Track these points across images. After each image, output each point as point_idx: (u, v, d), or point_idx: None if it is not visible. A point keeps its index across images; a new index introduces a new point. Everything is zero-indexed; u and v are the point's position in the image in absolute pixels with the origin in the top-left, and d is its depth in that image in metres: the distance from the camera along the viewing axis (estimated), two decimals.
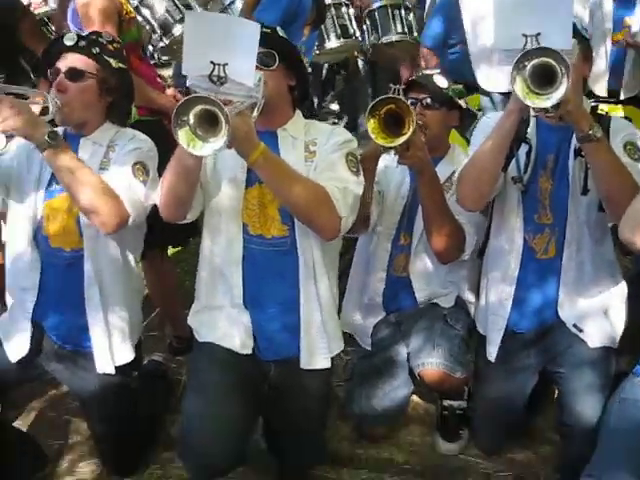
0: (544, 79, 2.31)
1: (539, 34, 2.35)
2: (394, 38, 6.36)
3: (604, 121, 2.75)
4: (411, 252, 3.16)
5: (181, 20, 5.17)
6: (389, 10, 6.37)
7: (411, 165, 2.88)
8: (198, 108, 2.14)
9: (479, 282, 3.11)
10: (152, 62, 5.35)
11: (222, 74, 2.28)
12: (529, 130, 2.77)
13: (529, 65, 2.31)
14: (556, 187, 2.78)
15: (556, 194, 2.78)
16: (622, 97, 4.78)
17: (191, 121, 2.15)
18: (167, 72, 7.48)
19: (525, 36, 2.36)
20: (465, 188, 2.77)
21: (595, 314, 2.85)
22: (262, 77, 2.42)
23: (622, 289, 2.93)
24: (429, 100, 3.14)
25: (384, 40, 6.32)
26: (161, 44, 4.98)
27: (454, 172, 3.06)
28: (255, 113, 2.42)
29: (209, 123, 2.14)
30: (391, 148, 2.73)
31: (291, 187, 2.47)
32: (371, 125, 2.66)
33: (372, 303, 3.24)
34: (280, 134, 2.69)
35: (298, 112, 2.79)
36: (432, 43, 5.34)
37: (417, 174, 2.91)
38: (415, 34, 6.37)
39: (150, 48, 5.09)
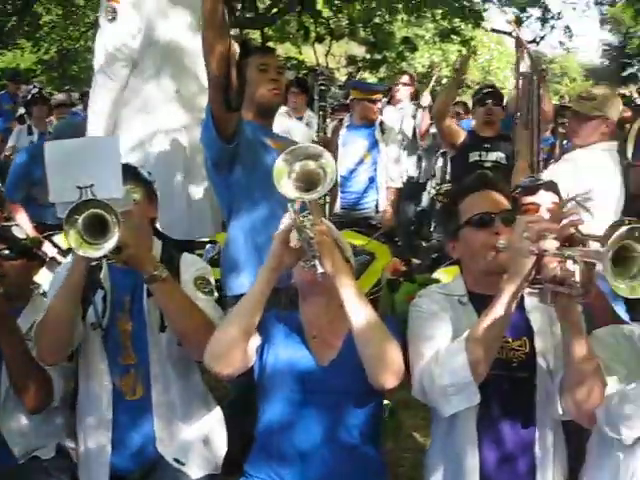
0: (100, 228, 2.38)
1: (92, 185, 2.42)
2: None
3: (174, 259, 2.89)
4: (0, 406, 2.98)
5: None
6: None
7: None
8: None
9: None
10: None
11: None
12: (102, 275, 2.80)
13: (80, 218, 2.37)
14: (135, 327, 2.82)
15: (136, 334, 2.82)
16: None
17: None
18: None
19: (80, 188, 2.41)
20: (43, 342, 2.72)
21: (194, 445, 2.89)
22: None
23: (218, 415, 3.02)
24: (7, 251, 3.11)
25: None
26: None
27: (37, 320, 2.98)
28: None
29: None
30: None
31: None
32: None
33: None
34: None
35: None
36: (13, 196, 5.43)
37: None
38: None
39: None
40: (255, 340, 2.59)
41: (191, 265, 2.97)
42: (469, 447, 2.50)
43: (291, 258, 2.50)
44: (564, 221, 2.42)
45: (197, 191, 3.90)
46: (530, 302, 2.61)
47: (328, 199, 4.06)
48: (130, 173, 2.82)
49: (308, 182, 2.36)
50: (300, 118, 7.20)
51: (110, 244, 2.42)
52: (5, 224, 3.49)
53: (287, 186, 2.35)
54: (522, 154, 4.12)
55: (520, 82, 4.36)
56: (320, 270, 2.40)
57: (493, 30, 15.56)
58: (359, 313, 2.42)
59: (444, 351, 2.40)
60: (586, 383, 2.35)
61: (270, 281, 2.51)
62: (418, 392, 2.48)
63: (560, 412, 2.46)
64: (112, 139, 2.67)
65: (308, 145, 2.51)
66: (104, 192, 2.50)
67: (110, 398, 2.82)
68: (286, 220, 2.45)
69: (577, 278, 2.07)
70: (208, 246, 5.81)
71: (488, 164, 5.93)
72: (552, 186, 3.28)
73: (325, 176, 2.34)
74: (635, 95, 11.47)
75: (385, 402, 2.95)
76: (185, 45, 3.90)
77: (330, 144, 4.25)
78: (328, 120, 4.71)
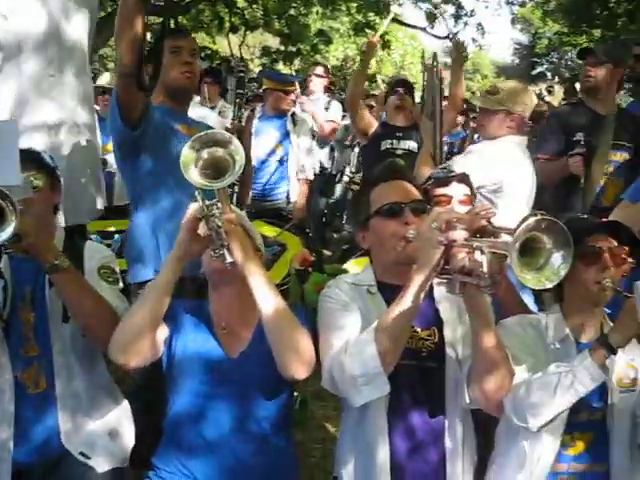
0: None
1: None
2: None
3: (78, 247, 2.84)
4: None
5: None
6: None
7: None
8: None
9: None
10: None
11: None
12: (2, 264, 2.68)
13: None
14: (38, 318, 2.72)
15: (39, 325, 2.72)
16: None
17: None
18: None
19: None
20: None
21: (100, 438, 2.81)
22: None
23: (125, 407, 2.95)
24: None
25: None
26: None
27: None
28: None
29: None
30: None
31: None
32: None
33: None
34: None
35: None
36: None
37: None
38: None
39: None
40: (163, 331, 2.55)
41: (95, 253, 2.89)
42: (379, 437, 2.51)
43: (199, 247, 2.46)
44: (475, 212, 2.46)
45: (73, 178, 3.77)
46: (439, 292, 2.63)
47: (237, 188, 4.04)
48: (32, 158, 2.72)
49: (216, 169, 2.32)
50: (213, 108, 7.12)
51: (6, 234, 2.33)
52: None
53: (194, 173, 2.31)
54: (426, 145, 4.16)
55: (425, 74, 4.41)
56: (229, 260, 2.37)
57: (400, 22, 15.72)
58: (268, 302, 2.40)
59: (354, 341, 2.40)
60: (494, 372, 2.39)
61: (176, 270, 2.47)
62: (328, 383, 2.46)
63: (468, 401, 2.49)
64: (10, 124, 2.55)
65: (216, 132, 2.46)
66: (5, 179, 2.40)
67: (12, 391, 2.70)
68: (193, 208, 2.40)
69: (485, 269, 2.08)
70: (117, 236, 5.71)
71: (399, 152, 6.00)
72: (464, 178, 3.31)
73: (234, 163, 2.31)
74: (544, 93, 11.75)
75: (295, 393, 2.95)
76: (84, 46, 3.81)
77: (244, 132, 4.21)
78: (242, 109, 4.68)
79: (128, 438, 2.92)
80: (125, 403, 2.97)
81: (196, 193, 2.35)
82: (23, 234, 2.40)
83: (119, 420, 2.91)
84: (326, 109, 7.95)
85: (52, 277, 2.58)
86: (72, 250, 2.74)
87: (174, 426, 2.60)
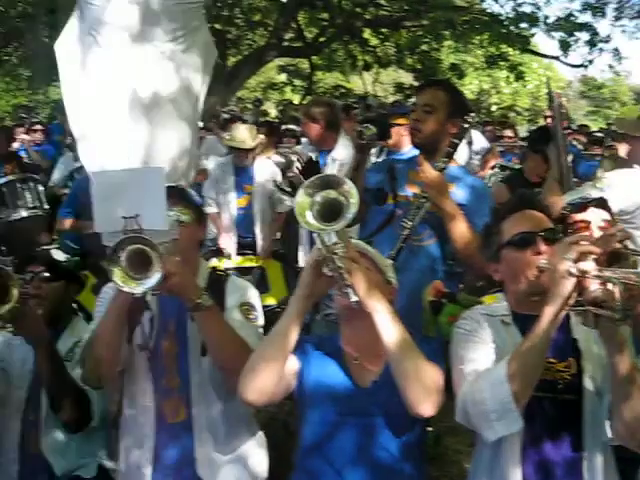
0: (143, 261, 2.42)
1: (138, 215, 2.44)
2: (25, 214, 6.28)
3: (221, 282, 2.92)
4: (40, 426, 3.08)
5: None
6: (17, 185, 6.30)
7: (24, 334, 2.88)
8: None
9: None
10: None
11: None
12: (149, 297, 2.79)
13: (123, 255, 2.41)
14: (179, 350, 2.82)
15: (179, 357, 2.82)
16: None
17: None
18: None
19: (125, 218, 2.45)
20: (89, 365, 2.78)
21: (234, 468, 2.88)
22: None
23: (260, 439, 3.02)
24: (46, 273, 3.20)
25: (15, 217, 6.21)
26: None
27: (77, 342, 3.10)
28: None
29: None
30: None
31: None
32: None
33: None
34: None
35: None
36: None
37: (36, 349, 2.91)
38: (46, 205, 6.37)
39: None
40: (293, 366, 2.55)
41: (237, 289, 2.94)
42: (513, 471, 2.43)
43: (324, 286, 2.45)
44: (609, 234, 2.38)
45: None
46: (576, 322, 2.55)
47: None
48: (179, 194, 2.84)
49: (331, 212, 2.28)
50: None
51: (152, 280, 2.42)
52: (45, 247, 3.62)
53: (310, 218, 2.28)
54: (552, 172, 4.05)
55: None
56: (354, 298, 2.34)
57: (533, 52, 15.44)
58: (392, 338, 2.36)
59: (487, 375, 2.35)
60: (635, 406, 2.29)
61: (302, 308, 2.46)
62: (461, 416, 2.42)
63: (610, 436, 2.40)
64: (156, 170, 2.69)
65: (328, 174, 2.47)
66: (149, 223, 2.49)
67: (153, 420, 2.82)
68: (315, 251, 2.40)
69: (617, 301, 2.00)
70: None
71: None
72: (602, 203, 3.23)
73: (349, 204, 2.25)
74: None
75: (429, 429, 2.89)
76: None
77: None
78: None
79: (261, 469, 2.98)
80: (260, 434, 3.02)
81: (314, 236, 2.36)
82: (168, 274, 2.47)
83: (254, 451, 2.96)
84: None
85: (194, 315, 2.64)
86: (214, 286, 2.81)
87: (303, 456, 2.60)
